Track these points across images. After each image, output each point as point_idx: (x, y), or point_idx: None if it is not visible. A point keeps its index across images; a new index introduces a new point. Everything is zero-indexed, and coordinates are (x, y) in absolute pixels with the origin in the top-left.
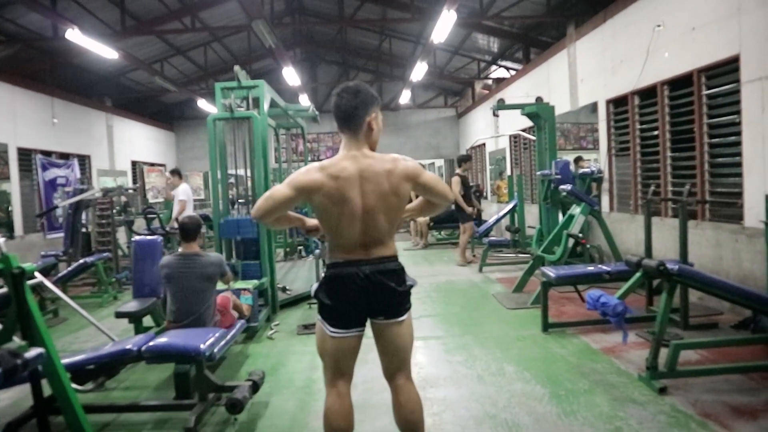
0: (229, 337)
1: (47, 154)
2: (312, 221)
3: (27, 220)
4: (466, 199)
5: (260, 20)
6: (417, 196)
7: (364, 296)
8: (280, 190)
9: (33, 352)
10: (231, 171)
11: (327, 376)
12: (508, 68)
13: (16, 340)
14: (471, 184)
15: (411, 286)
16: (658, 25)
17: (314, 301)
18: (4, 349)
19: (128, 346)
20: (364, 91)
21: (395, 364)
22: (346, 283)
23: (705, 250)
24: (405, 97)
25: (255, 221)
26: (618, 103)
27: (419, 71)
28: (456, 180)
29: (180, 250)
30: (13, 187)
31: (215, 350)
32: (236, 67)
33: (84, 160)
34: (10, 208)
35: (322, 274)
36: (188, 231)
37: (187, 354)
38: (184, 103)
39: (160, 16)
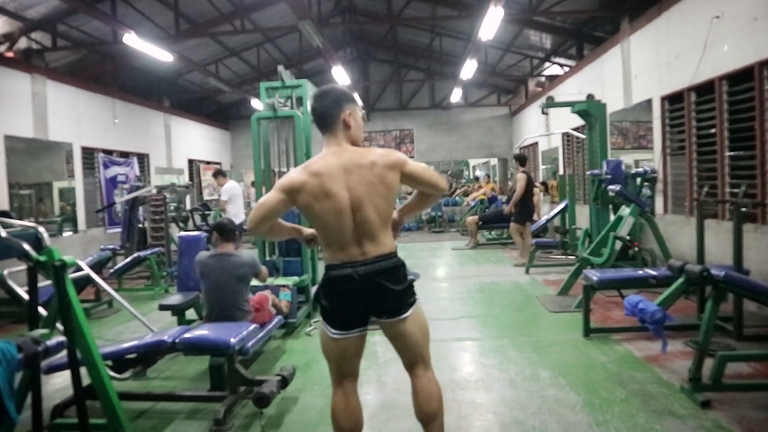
0: (263, 332)
1: (108, 152)
2: (309, 230)
3: (90, 216)
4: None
5: (307, 21)
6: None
7: (362, 297)
8: (269, 195)
9: (54, 341)
10: (276, 168)
11: (332, 377)
12: (561, 65)
13: (60, 328)
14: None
15: (412, 281)
16: (717, 17)
17: None
18: (27, 336)
19: (164, 338)
20: (335, 91)
21: (410, 358)
22: (343, 285)
23: (766, 256)
24: (457, 96)
25: (251, 232)
26: (673, 100)
27: (470, 69)
28: (521, 177)
29: (216, 250)
30: (77, 184)
31: (248, 345)
32: (280, 67)
33: (143, 159)
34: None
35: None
36: (225, 231)
37: (217, 347)
38: (238, 102)
39: (213, 19)
